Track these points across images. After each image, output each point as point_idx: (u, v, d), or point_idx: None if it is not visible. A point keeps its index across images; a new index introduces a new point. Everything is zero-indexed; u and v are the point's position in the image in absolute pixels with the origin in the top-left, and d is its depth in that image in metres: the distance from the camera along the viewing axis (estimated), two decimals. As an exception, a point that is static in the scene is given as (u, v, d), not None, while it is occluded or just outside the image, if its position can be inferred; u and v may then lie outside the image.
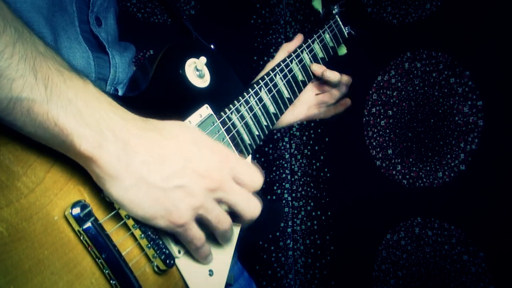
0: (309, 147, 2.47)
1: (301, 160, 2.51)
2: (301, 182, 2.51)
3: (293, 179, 2.55)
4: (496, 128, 1.69)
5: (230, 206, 0.60)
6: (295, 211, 2.53)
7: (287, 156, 2.57)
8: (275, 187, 2.50)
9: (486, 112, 1.72)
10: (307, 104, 1.10)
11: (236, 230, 0.69)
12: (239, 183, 0.60)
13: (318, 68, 1.03)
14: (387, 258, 2.05)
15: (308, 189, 2.46)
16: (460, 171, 1.79)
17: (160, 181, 0.52)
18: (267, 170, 2.48)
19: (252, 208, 0.61)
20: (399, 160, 2.01)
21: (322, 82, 1.09)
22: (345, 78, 1.08)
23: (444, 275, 1.83)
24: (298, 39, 1.08)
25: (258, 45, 2.48)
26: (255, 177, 0.62)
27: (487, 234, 1.71)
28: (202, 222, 0.59)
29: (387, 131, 2.06)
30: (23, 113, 0.45)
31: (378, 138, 2.11)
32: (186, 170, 0.55)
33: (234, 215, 0.62)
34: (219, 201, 0.58)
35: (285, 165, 2.56)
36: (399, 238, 2.00)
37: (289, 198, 2.55)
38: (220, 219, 0.58)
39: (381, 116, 2.09)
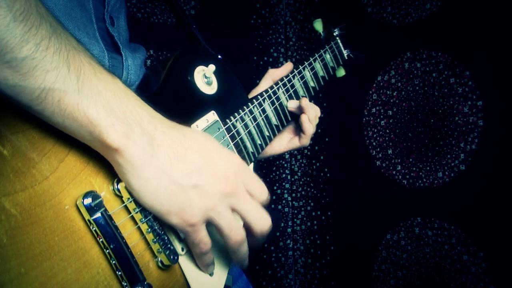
0: (309, 147, 2.47)
1: (301, 160, 2.52)
2: (301, 182, 2.51)
3: (293, 179, 2.55)
4: (496, 128, 1.70)
5: (241, 215, 0.60)
6: (295, 211, 2.53)
7: (287, 156, 2.57)
8: (275, 187, 2.50)
9: (486, 112, 1.72)
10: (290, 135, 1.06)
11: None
12: (250, 194, 0.61)
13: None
14: (387, 258, 2.05)
15: (308, 189, 2.47)
16: (460, 171, 1.79)
17: (179, 177, 0.54)
18: (267, 170, 2.48)
19: (262, 221, 0.61)
20: (399, 160, 2.02)
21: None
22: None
23: (444, 275, 1.84)
24: (287, 68, 1.04)
25: (258, 45, 2.48)
26: (264, 192, 0.64)
27: (487, 234, 1.71)
28: (213, 230, 0.59)
29: (387, 131, 2.07)
30: (53, 103, 0.46)
31: (378, 138, 2.11)
32: (204, 171, 0.56)
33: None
34: (232, 210, 0.59)
35: (285, 165, 2.56)
36: (399, 238, 2.01)
37: (289, 198, 2.55)
38: (232, 227, 0.58)
39: (381, 116, 2.09)
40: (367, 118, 2.16)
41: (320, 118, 1.04)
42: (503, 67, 1.66)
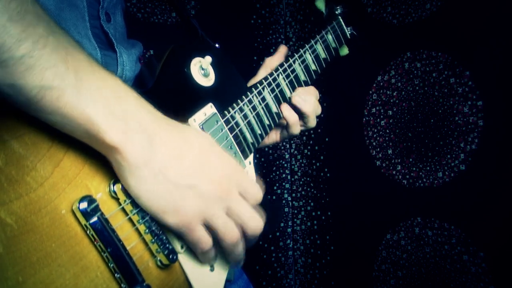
0: (309, 147, 2.47)
1: (301, 160, 2.51)
2: (301, 182, 2.51)
3: (293, 179, 2.55)
4: (496, 128, 1.69)
5: (235, 217, 0.61)
6: (295, 211, 2.53)
7: (287, 156, 2.57)
8: (275, 187, 2.50)
9: (486, 112, 1.72)
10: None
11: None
12: (243, 196, 0.62)
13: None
14: (387, 258, 2.05)
15: (308, 189, 2.46)
16: (460, 171, 1.79)
17: (175, 177, 0.54)
18: (267, 170, 2.48)
19: (255, 224, 0.62)
20: (399, 160, 2.02)
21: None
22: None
23: (444, 275, 1.83)
24: (281, 52, 1.00)
25: (258, 45, 2.48)
26: (258, 194, 0.64)
27: (487, 234, 1.71)
28: (210, 231, 0.60)
29: (387, 131, 2.07)
30: (52, 101, 0.46)
31: (378, 138, 2.11)
32: (200, 172, 0.56)
33: None
34: (226, 212, 0.60)
35: (285, 165, 2.56)
36: (399, 238, 2.01)
37: (289, 198, 2.55)
38: (227, 228, 0.59)
39: (381, 116, 2.09)
40: (367, 118, 2.16)
41: (320, 118, 1.02)
42: (503, 67, 1.66)
